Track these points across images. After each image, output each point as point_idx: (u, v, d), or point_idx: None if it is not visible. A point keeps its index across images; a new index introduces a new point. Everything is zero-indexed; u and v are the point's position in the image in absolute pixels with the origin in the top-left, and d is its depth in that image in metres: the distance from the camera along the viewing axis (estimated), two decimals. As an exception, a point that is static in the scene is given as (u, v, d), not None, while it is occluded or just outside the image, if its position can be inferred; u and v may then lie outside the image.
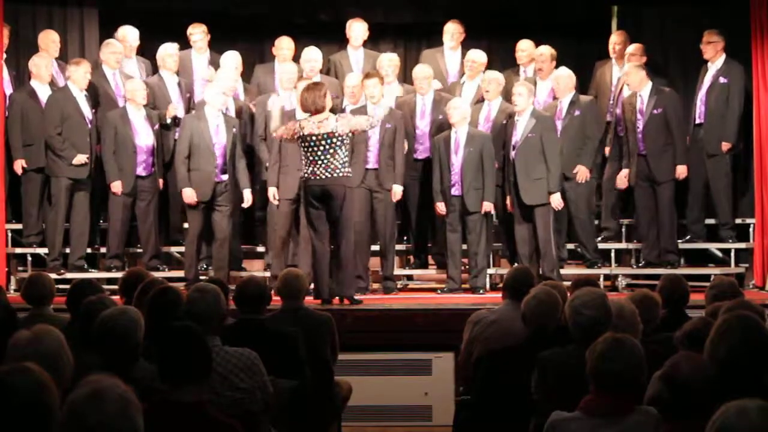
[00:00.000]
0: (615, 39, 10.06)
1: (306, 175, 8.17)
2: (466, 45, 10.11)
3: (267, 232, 9.40)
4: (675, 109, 9.26)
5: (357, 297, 8.35)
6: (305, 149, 8.13)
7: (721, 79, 9.43)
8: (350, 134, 8.18)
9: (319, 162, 8.08)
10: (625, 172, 9.39)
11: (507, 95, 9.47)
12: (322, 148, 8.07)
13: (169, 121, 9.53)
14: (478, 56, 9.80)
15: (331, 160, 8.08)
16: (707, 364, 3.61)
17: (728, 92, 9.40)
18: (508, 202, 9.09)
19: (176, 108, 9.54)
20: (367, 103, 9.10)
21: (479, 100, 9.56)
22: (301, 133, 8.11)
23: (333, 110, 8.35)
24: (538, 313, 5.10)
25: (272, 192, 8.97)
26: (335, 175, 8.10)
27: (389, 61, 9.72)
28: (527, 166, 8.88)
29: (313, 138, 8.07)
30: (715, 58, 9.46)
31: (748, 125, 9.48)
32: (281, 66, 9.73)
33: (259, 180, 9.40)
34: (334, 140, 8.07)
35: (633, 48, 9.74)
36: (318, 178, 8.09)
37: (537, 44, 9.98)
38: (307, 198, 8.22)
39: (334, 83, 9.73)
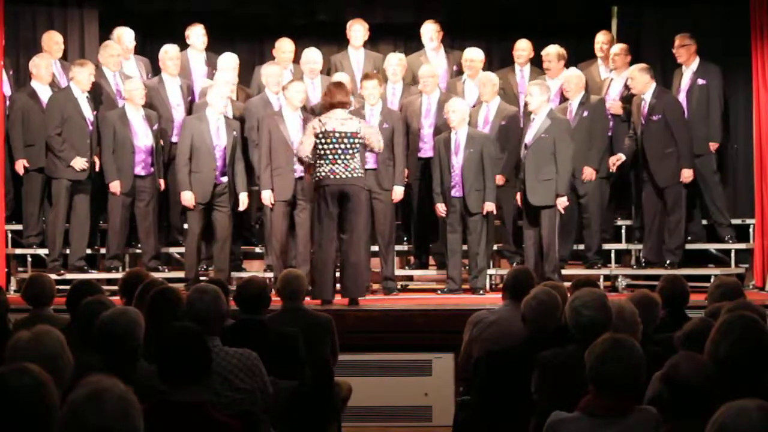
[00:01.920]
0: (602, 39, 10.04)
1: (323, 174, 8.12)
2: (466, 45, 10.09)
3: (266, 233, 9.39)
4: (676, 113, 9.25)
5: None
6: (325, 146, 8.10)
7: (699, 81, 9.51)
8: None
9: (339, 161, 8.08)
10: (615, 157, 9.34)
11: (504, 96, 9.48)
12: (343, 146, 8.07)
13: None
14: (475, 55, 9.78)
15: (350, 160, 8.10)
16: (707, 364, 3.61)
17: (708, 93, 9.49)
18: (518, 199, 9.07)
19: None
20: (365, 105, 9.10)
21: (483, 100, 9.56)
22: (323, 129, 8.10)
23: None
24: (538, 313, 5.10)
25: (267, 195, 8.92)
26: (354, 175, 8.13)
27: (399, 60, 9.71)
28: (537, 166, 8.83)
29: (336, 134, 8.08)
30: (689, 60, 9.55)
31: (726, 124, 9.63)
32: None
33: (255, 182, 9.39)
34: (356, 141, 8.11)
35: (617, 48, 9.74)
36: (337, 177, 8.09)
37: (536, 44, 9.98)
38: (323, 197, 8.17)
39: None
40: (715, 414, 2.74)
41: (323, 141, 8.11)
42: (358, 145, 8.14)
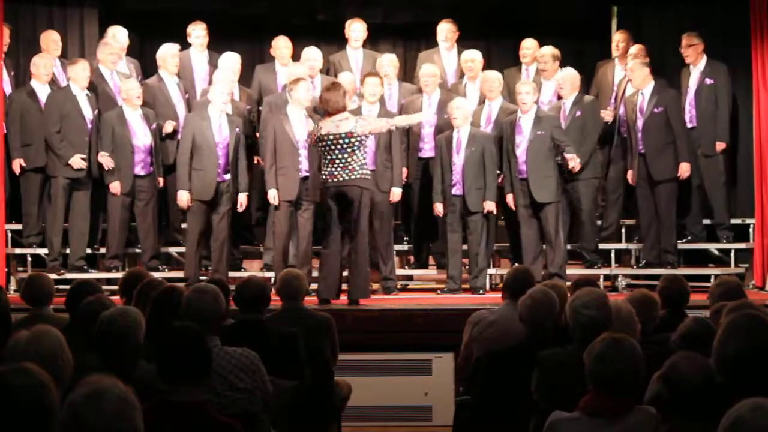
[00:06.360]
0: (618, 38, 10.04)
1: (324, 176, 8.20)
2: (466, 45, 10.09)
3: (266, 233, 9.38)
4: (677, 108, 9.27)
5: None
6: (323, 149, 8.16)
7: (707, 81, 9.49)
8: (368, 136, 8.23)
9: (337, 161, 8.10)
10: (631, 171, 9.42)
11: (508, 95, 9.48)
12: (339, 147, 8.08)
13: (169, 131, 9.46)
14: (475, 56, 9.77)
15: (349, 160, 8.10)
16: (707, 364, 3.62)
17: (716, 93, 9.46)
18: (510, 200, 9.04)
19: (174, 124, 9.47)
20: (363, 103, 9.08)
21: (483, 101, 9.54)
22: (319, 133, 8.15)
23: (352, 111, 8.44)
24: (534, 312, 5.10)
25: (272, 194, 8.89)
26: (353, 176, 8.12)
27: (390, 61, 9.70)
28: (537, 164, 8.84)
29: (331, 137, 8.09)
30: (697, 60, 9.53)
31: (735, 124, 9.57)
32: (289, 68, 9.65)
33: (257, 181, 9.39)
34: (352, 140, 8.09)
35: (635, 49, 9.73)
36: (336, 179, 8.11)
37: (538, 44, 9.97)
38: (324, 200, 8.25)
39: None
40: (729, 410, 2.74)
41: (321, 145, 8.17)
42: (355, 144, 8.12)
